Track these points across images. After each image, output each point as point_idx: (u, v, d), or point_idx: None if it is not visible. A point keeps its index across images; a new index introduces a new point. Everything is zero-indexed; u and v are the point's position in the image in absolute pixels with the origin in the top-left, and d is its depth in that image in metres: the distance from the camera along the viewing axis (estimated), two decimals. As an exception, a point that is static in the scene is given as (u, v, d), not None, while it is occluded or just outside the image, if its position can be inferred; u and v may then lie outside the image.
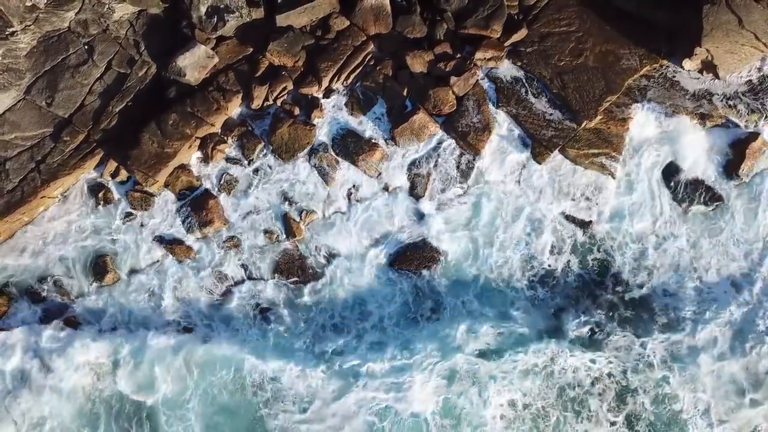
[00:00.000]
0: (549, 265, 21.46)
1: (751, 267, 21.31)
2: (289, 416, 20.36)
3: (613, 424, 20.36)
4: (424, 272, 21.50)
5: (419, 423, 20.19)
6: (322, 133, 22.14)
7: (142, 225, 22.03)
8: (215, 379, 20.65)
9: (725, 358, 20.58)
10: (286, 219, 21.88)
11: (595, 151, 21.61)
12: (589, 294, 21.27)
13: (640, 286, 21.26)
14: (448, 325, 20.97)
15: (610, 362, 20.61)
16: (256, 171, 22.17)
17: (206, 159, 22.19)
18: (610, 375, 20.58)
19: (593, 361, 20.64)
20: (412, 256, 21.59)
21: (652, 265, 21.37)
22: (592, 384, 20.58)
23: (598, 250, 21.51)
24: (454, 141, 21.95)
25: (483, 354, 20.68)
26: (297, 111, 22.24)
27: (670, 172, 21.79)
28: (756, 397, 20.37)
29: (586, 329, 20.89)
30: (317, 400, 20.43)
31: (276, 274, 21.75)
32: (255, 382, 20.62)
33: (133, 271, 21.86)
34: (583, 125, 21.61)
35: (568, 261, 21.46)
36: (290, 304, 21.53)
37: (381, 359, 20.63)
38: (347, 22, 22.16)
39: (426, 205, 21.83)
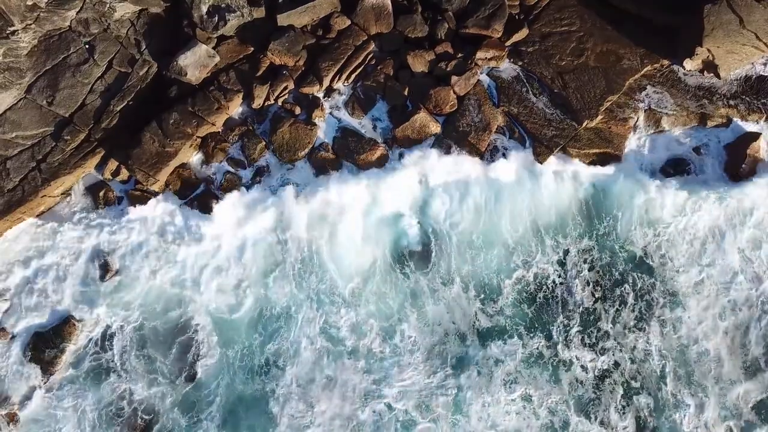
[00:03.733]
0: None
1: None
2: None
3: None
4: None
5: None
6: (323, 133, 22.16)
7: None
8: None
9: None
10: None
11: (596, 150, 21.63)
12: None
13: None
14: None
15: None
16: (257, 170, 22.17)
17: (207, 158, 22.18)
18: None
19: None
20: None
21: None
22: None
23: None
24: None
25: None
26: (298, 110, 22.23)
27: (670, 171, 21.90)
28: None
29: None
30: None
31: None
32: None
33: None
34: (584, 125, 21.62)
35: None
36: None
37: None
38: (348, 22, 22.16)
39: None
